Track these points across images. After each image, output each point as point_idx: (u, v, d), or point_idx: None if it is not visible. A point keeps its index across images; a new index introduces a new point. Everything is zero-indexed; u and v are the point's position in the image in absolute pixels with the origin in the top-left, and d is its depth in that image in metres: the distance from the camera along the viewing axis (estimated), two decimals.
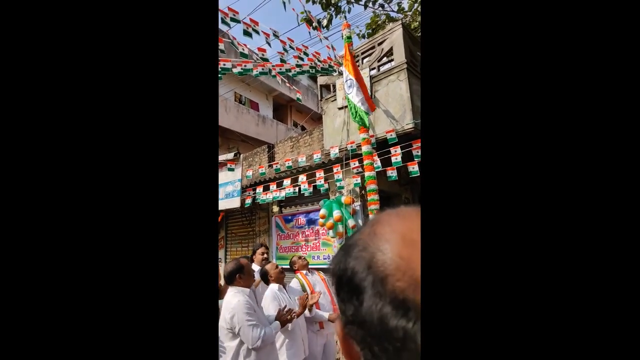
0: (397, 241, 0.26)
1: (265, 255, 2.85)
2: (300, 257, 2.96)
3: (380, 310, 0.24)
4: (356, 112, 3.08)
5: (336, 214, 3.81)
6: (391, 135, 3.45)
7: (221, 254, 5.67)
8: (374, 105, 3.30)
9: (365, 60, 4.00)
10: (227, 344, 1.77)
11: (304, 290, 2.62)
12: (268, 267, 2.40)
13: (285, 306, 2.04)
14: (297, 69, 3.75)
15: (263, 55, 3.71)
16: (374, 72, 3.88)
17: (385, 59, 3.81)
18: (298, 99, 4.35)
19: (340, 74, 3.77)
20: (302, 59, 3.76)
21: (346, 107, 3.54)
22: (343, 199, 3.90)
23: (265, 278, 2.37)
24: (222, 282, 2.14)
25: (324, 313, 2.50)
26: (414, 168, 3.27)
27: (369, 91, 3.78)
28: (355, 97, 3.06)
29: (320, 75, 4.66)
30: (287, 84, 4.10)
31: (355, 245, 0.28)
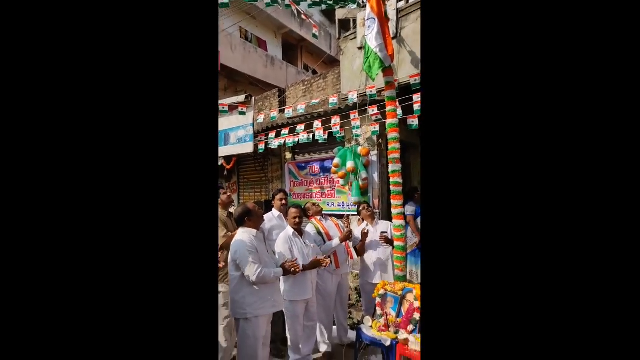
0: None
1: (284, 201, 2.85)
2: (314, 204, 3.00)
3: None
4: (368, 58, 2.72)
5: (350, 164, 3.74)
6: (415, 80, 3.18)
7: (234, 198, 5.80)
8: (393, 55, 2.85)
9: None
10: (232, 274, 2.01)
11: (319, 234, 2.70)
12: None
13: (295, 260, 2.15)
14: None
15: None
16: (402, 3, 3.43)
17: None
18: (314, 35, 3.97)
19: (364, 6, 3.33)
20: None
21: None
22: (359, 149, 3.78)
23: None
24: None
25: (333, 241, 2.64)
26: None
27: (393, 30, 3.37)
28: (374, 41, 2.64)
29: (339, 8, 4.16)
30: (303, 15, 3.68)
31: None
